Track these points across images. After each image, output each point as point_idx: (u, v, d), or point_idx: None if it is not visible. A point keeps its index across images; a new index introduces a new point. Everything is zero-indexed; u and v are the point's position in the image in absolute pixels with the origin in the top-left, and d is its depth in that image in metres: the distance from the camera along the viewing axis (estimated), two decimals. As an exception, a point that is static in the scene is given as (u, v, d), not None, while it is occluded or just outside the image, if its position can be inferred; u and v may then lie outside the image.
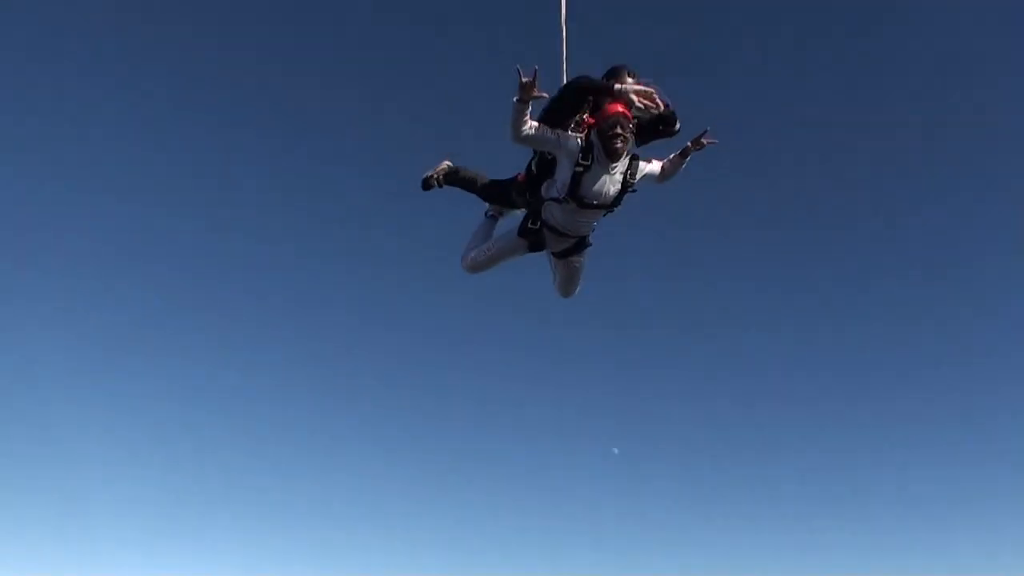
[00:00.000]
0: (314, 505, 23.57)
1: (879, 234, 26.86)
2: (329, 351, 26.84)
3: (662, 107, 4.95)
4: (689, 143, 5.17)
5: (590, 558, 22.25)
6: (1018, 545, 21.11)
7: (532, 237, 5.16)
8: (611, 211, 5.10)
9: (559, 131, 4.88)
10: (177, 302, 25.24)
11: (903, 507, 22.63)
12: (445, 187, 5.63)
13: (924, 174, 25.94)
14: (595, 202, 4.95)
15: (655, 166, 5.20)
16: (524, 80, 4.52)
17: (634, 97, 4.82)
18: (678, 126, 5.13)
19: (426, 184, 5.61)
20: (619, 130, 4.78)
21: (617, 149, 4.82)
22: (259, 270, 26.77)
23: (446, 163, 5.67)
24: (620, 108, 4.80)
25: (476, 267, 5.38)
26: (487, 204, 5.66)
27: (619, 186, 4.98)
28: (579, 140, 4.86)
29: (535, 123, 4.78)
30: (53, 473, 21.42)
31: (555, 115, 4.93)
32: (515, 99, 4.61)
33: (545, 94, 4.68)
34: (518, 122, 4.68)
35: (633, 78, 4.92)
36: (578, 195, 4.91)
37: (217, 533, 22.30)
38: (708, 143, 5.13)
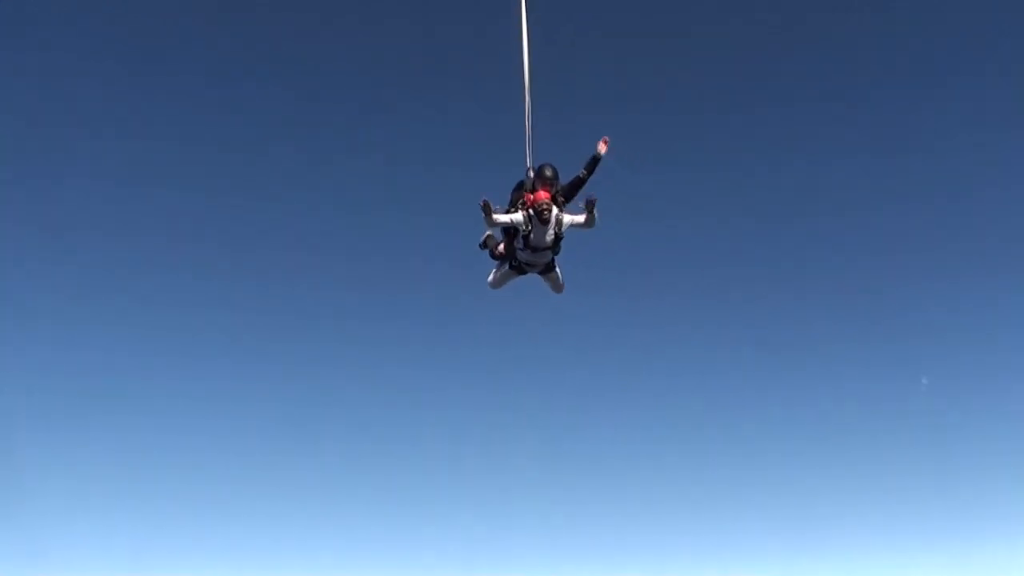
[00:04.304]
0: (316, 508, 23.68)
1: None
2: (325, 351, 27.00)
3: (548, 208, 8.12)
4: (583, 204, 8.22)
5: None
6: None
7: (516, 268, 8.73)
8: (553, 250, 8.45)
9: (512, 211, 8.27)
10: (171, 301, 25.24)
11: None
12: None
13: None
14: (540, 247, 8.38)
15: (579, 218, 8.28)
16: (484, 204, 7.88)
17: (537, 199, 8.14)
18: (586, 180, 8.32)
19: (483, 246, 8.98)
20: (544, 206, 8.10)
21: (545, 218, 8.14)
22: (246, 270, 26.81)
23: (488, 233, 8.97)
24: (544, 195, 8.16)
25: (493, 284, 9.00)
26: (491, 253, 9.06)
27: (553, 236, 8.30)
28: (523, 214, 8.22)
29: (498, 216, 8.11)
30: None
31: (511, 201, 8.41)
32: (484, 220, 7.97)
33: (499, 215, 8.01)
34: (488, 223, 8.15)
35: (551, 171, 8.27)
36: (530, 245, 8.37)
37: (197, 533, 22.31)
38: (590, 200, 8.13)
